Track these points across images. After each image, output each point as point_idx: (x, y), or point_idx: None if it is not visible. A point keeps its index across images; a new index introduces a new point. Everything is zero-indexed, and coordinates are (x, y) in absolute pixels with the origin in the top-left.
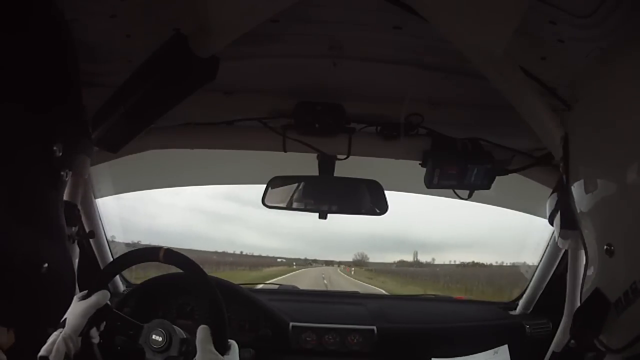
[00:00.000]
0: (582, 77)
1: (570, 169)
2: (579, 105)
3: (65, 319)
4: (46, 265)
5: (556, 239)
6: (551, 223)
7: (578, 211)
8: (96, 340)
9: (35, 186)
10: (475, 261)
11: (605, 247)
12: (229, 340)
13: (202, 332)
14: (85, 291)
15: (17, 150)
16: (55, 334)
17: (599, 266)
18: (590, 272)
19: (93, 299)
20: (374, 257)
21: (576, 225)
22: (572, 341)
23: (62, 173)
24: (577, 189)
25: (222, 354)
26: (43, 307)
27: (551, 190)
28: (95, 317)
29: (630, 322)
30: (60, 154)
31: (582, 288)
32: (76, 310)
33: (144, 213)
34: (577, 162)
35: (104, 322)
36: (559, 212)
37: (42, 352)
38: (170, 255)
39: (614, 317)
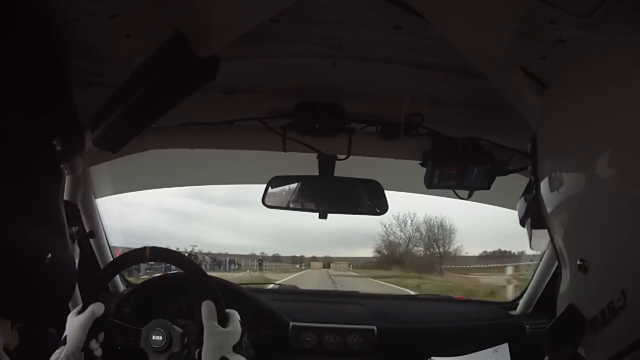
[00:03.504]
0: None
1: (539, 168)
2: (548, 94)
3: (66, 335)
4: (50, 255)
5: (529, 243)
6: (522, 225)
7: (547, 218)
8: (99, 352)
9: (37, 179)
10: (502, 249)
11: (578, 262)
12: (228, 310)
13: (206, 309)
14: (80, 305)
15: (20, 145)
16: (57, 351)
17: (573, 281)
18: (563, 285)
19: (89, 310)
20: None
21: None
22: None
23: (61, 166)
24: (545, 193)
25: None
26: (47, 298)
27: None
28: (93, 329)
29: (609, 340)
30: (60, 148)
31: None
32: (74, 324)
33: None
34: (545, 160)
35: (103, 333)
36: (530, 216)
37: None
38: (156, 252)
39: (591, 334)
